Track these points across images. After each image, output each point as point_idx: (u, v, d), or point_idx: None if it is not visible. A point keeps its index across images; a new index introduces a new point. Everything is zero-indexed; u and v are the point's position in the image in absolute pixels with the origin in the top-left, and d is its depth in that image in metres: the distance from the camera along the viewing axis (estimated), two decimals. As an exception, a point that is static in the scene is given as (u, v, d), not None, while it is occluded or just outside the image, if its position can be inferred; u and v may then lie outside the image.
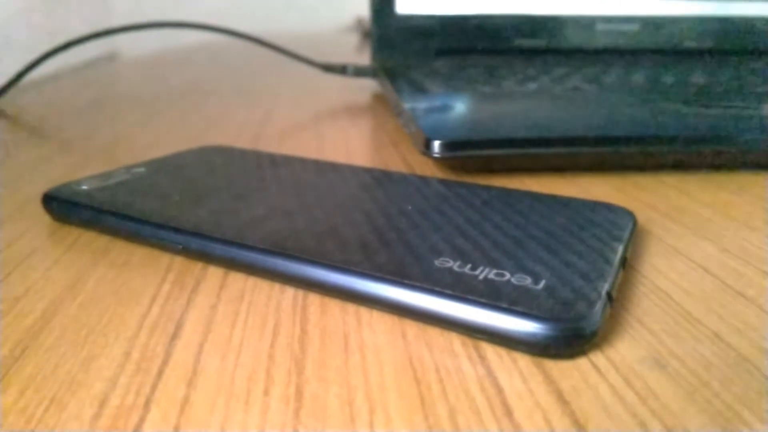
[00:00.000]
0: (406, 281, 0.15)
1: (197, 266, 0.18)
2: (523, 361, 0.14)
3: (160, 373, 0.13)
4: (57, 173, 0.28)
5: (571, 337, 0.13)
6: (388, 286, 0.15)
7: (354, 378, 0.13)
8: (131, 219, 0.19)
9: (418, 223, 0.18)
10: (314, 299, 0.16)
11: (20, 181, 0.27)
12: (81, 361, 0.14)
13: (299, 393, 0.13)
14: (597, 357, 0.14)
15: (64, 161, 0.30)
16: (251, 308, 0.16)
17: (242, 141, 0.33)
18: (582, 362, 0.14)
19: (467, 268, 0.15)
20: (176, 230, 0.18)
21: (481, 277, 0.15)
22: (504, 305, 0.14)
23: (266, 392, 0.13)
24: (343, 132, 0.35)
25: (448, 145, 0.25)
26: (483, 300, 0.14)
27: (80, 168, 0.28)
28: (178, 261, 0.19)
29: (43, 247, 0.20)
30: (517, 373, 0.13)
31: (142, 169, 0.25)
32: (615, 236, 0.18)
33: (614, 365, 0.14)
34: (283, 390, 0.13)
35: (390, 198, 0.21)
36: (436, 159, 0.26)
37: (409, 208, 0.20)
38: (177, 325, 0.15)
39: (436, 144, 0.25)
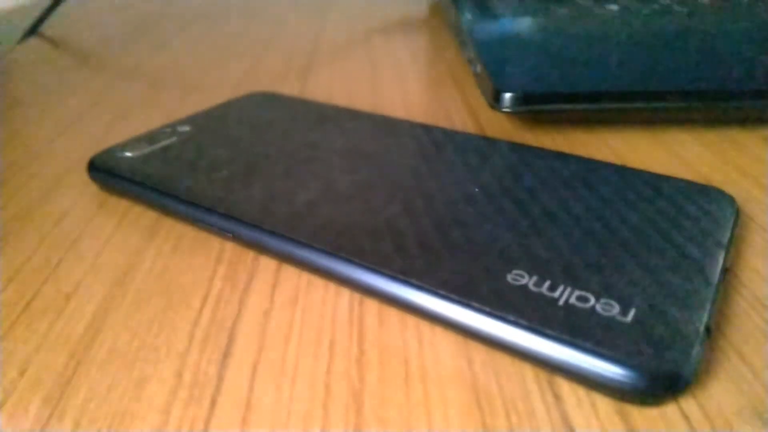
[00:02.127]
0: (473, 303, 0.13)
1: (249, 255, 0.17)
2: (603, 405, 0.12)
3: (213, 403, 0.13)
4: (115, 110, 0.27)
5: (660, 387, 0.12)
6: (453, 306, 0.14)
7: (416, 419, 0.12)
8: (178, 200, 0.18)
9: (487, 214, 0.17)
10: (371, 306, 0.15)
11: (81, 123, 0.26)
12: (133, 384, 0.13)
13: (358, 438, 0.12)
14: (688, 403, 0.12)
15: (123, 95, 0.28)
16: (305, 315, 0.15)
17: (293, 65, 0.31)
18: (670, 411, 0.12)
19: (545, 287, 0.14)
20: (226, 217, 0.17)
21: (561, 301, 0.13)
22: (586, 345, 0.12)
23: (323, 435, 0.12)
24: (398, 66, 0.32)
25: (521, 99, 0.23)
26: (562, 336, 0.12)
27: (145, 104, 0.27)
28: (230, 247, 0.18)
29: (91, 225, 0.19)
30: (595, 419, 0.12)
31: (186, 128, 0.23)
32: (715, 238, 0.15)
33: (707, 415, 0.12)
34: (341, 433, 0.12)
35: (454, 174, 0.19)
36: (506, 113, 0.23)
37: (476, 190, 0.18)
38: (229, 337, 0.14)
39: (507, 97, 0.23)
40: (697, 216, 0.16)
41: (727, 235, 0.16)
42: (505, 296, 0.14)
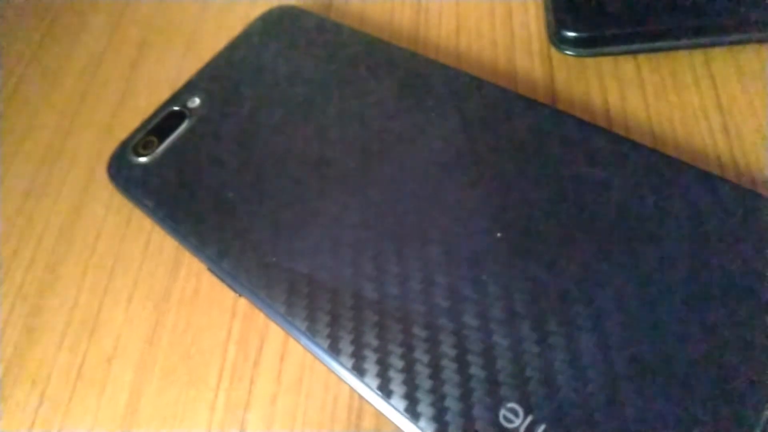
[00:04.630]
0: (454, 455, 0.13)
1: (260, 316, 0.17)
2: None
3: None
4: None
5: None
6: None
7: None
8: (188, 244, 0.18)
9: (491, 299, 0.15)
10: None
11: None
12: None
13: None
14: None
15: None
16: (309, 403, 0.16)
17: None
18: None
19: (532, 437, 0.13)
20: (234, 279, 0.17)
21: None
22: None
23: None
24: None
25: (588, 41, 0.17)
26: None
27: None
28: (242, 302, 0.18)
29: (122, 254, 0.20)
30: None
31: (197, 101, 0.21)
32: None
33: None
34: None
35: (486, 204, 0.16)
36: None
37: (499, 235, 0.15)
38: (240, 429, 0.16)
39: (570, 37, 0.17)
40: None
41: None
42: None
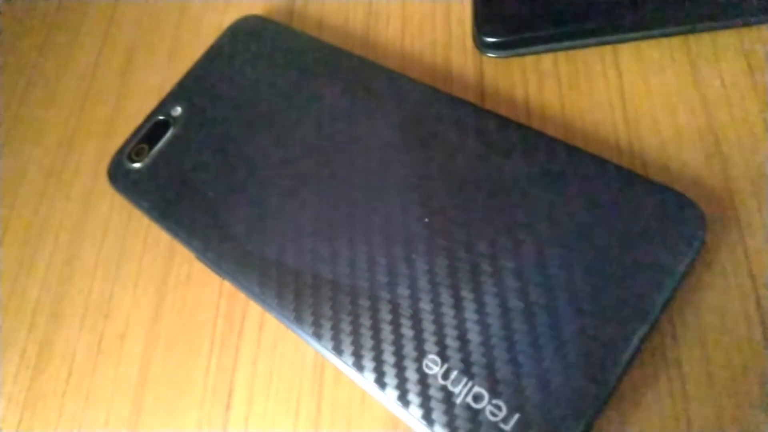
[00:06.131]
0: (385, 389, 0.17)
1: (241, 295, 0.21)
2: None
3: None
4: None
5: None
6: (378, 391, 0.17)
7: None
8: (178, 237, 0.21)
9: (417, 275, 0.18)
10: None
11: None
12: (175, 429, 0.19)
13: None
14: (553, 490, 0.16)
15: None
16: (282, 363, 0.19)
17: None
18: (536, 496, 0.16)
19: (450, 381, 0.16)
20: (216, 266, 0.20)
21: (459, 400, 0.16)
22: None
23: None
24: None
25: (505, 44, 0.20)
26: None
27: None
28: (227, 284, 0.21)
29: (126, 248, 0.23)
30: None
31: (179, 109, 0.24)
32: (642, 304, 0.16)
33: (565, 502, 0.15)
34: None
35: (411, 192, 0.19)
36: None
37: (426, 220, 0.19)
38: (229, 390, 0.19)
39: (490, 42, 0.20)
40: (649, 253, 0.16)
41: (663, 297, 0.16)
42: (417, 385, 0.16)
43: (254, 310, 0.21)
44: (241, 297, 0.21)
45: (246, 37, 0.25)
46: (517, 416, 0.15)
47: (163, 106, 0.24)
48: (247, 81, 0.24)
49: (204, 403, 0.20)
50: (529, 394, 0.16)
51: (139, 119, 0.25)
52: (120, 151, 0.24)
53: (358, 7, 0.25)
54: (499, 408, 0.16)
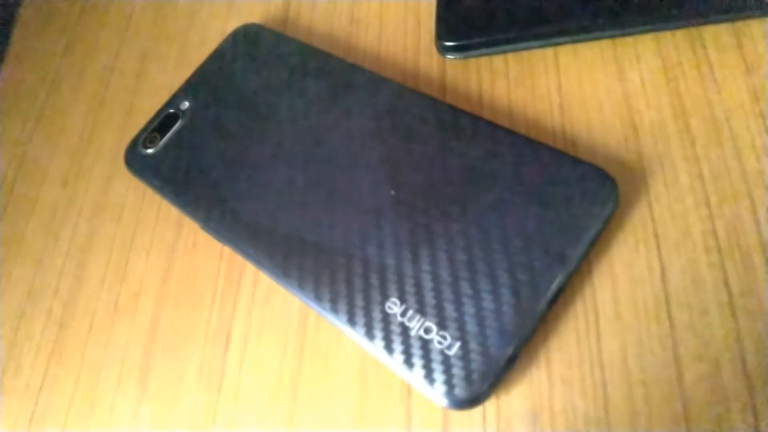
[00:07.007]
0: (355, 327, 0.20)
1: (238, 258, 0.25)
2: (435, 408, 0.20)
3: (219, 389, 0.22)
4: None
5: (462, 406, 0.19)
6: (349, 329, 0.21)
7: (332, 400, 0.21)
8: (186, 211, 0.25)
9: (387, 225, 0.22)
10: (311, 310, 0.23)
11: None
12: (181, 369, 0.23)
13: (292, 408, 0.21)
14: (490, 406, 0.19)
15: None
16: (273, 313, 0.23)
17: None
18: (476, 411, 0.19)
19: (407, 318, 0.20)
20: (218, 234, 0.24)
21: (413, 333, 0.20)
22: (416, 375, 0.19)
23: (275, 405, 0.21)
24: None
25: (460, 47, 0.24)
26: (404, 364, 0.19)
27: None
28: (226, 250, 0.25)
29: (140, 221, 0.27)
30: (428, 415, 0.20)
31: (186, 104, 0.28)
32: (563, 255, 0.19)
33: (499, 416, 0.19)
34: (286, 408, 0.21)
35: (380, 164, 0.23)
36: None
37: (392, 193, 0.22)
38: (227, 335, 0.23)
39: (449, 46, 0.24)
40: (566, 214, 0.20)
41: (580, 252, 0.19)
42: (380, 323, 0.20)
43: (249, 270, 0.24)
44: (238, 260, 0.25)
45: (246, 41, 0.29)
46: (458, 344, 0.19)
47: (173, 100, 0.28)
48: (246, 79, 0.28)
49: (206, 347, 0.23)
50: (468, 327, 0.19)
51: (151, 113, 0.29)
52: (135, 139, 0.28)
53: (342, 17, 0.29)
54: (444, 338, 0.19)
